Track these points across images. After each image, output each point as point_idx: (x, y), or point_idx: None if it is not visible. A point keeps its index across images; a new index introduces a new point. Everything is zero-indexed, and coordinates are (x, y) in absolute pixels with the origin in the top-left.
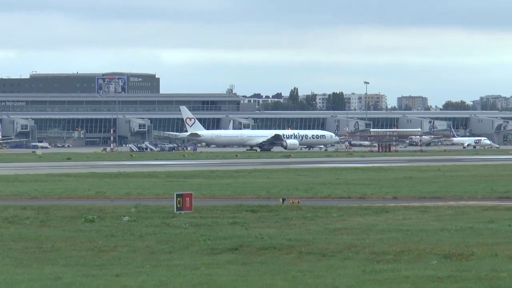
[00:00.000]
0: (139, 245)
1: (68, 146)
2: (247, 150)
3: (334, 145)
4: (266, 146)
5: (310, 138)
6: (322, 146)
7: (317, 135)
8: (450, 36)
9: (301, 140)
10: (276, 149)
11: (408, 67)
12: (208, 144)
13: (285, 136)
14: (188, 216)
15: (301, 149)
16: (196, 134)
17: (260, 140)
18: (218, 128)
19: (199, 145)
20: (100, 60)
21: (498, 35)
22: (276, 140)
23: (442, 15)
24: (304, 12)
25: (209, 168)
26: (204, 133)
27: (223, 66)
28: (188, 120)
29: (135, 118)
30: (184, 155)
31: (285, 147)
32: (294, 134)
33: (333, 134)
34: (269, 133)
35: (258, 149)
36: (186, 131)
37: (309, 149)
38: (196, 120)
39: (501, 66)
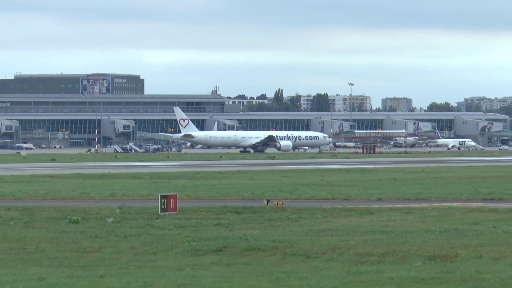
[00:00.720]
0: (123, 246)
1: (60, 147)
2: (240, 151)
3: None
4: (259, 147)
5: (303, 139)
6: (306, 147)
7: (310, 136)
8: (434, 37)
9: (294, 141)
10: (269, 150)
11: (392, 69)
12: (192, 145)
13: (278, 137)
14: (173, 217)
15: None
16: (189, 135)
17: (254, 141)
18: (202, 129)
19: (183, 146)
20: (85, 61)
21: (483, 37)
22: (270, 141)
23: (427, 16)
24: (289, 13)
25: (194, 169)
26: (198, 134)
27: (207, 67)
28: (181, 121)
29: (120, 119)
30: (168, 156)
31: (279, 149)
32: (287, 135)
33: (326, 136)
34: (262, 134)
35: (252, 151)
36: (172, 132)
37: (293, 150)
38: (190, 121)
39: (485, 67)
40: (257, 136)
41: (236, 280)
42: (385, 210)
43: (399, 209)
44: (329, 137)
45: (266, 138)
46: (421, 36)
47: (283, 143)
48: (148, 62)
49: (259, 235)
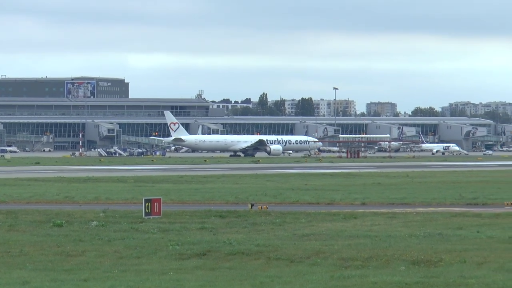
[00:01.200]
0: (107, 250)
1: (50, 150)
2: (230, 155)
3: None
4: (250, 151)
5: (293, 143)
6: (291, 151)
7: (301, 140)
8: (419, 42)
9: (284, 145)
10: (259, 154)
11: (377, 73)
12: (177, 149)
13: (268, 142)
14: (157, 221)
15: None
16: (180, 139)
17: (244, 145)
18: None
19: (167, 150)
20: (69, 64)
21: (468, 42)
22: (260, 145)
23: (412, 21)
24: (273, 18)
25: (178, 173)
26: (188, 138)
27: (192, 71)
28: (172, 125)
29: (104, 123)
30: (152, 160)
31: (269, 153)
32: (277, 139)
33: (316, 140)
34: (253, 139)
35: (242, 155)
36: (156, 136)
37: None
38: (180, 125)
39: (470, 72)
40: (248, 140)
41: (220, 284)
42: (369, 215)
43: (383, 213)
44: (319, 141)
45: (256, 142)
46: (406, 40)
47: (273, 147)
48: (132, 66)
49: (243, 239)
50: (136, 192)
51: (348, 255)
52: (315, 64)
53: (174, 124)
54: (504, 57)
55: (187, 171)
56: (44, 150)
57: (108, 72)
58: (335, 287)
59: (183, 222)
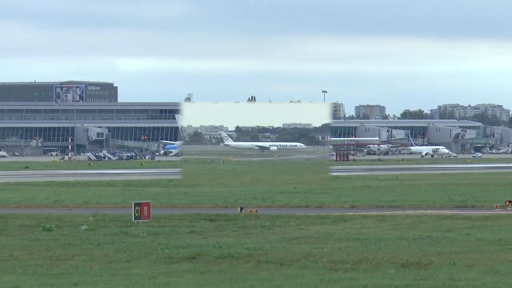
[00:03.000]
0: (97, 254)
1: (57, 154)
2: None
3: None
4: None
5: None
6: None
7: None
8: (408, 45)
9: None
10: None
11: (365, 76)
12: (166, 153)
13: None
14: (146, 225)
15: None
16: None
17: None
18: (176, 137)
19: (156, 154)
20: (58, 69)
21: (456, 44)
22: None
23: (400, 24)
24: (261, 20)
25: (167, 177)
26: None
27: (181, 74)
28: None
29: (93, 127)
30: (142, 164)
31: None
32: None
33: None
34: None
35: None
36: (145, 140)
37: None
38: None
39: (459, 75)
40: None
41: (210, 287)
42: (359, 218)
43: (372, 216)
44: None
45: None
46: (394, 43)
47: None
48: (121, 70)
49: (232, 242)
50: (125, 196)
51: (338, 258)
52: (304, 67)
53: None
54: (493, 59)
55: (176, 175)
56: (51, 154)
57: (97, 76)
58: None
59: (173, 225)
